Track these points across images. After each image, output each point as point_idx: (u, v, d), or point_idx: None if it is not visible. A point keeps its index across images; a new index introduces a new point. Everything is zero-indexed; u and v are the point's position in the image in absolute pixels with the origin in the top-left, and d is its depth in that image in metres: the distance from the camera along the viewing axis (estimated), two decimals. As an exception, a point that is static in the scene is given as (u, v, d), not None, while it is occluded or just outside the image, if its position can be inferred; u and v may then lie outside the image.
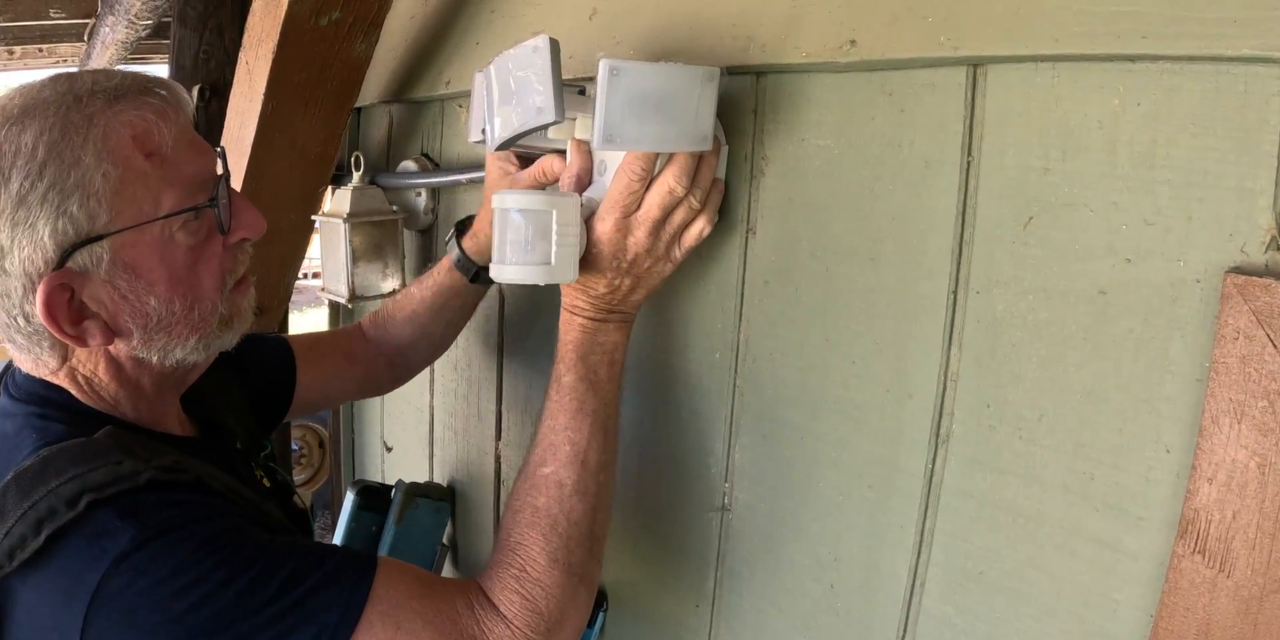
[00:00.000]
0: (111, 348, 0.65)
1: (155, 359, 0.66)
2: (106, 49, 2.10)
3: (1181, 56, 0.49)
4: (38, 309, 0.60)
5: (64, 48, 2.49)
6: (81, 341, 0.63)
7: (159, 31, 2.06)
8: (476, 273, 0.94)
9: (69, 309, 0.61)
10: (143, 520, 0.56)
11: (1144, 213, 0.52)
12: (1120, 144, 0.52)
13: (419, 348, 1.01)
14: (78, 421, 0.64)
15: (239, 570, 0.56)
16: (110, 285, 0.62)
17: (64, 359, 0.65)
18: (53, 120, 0.58)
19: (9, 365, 0.70)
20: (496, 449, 1.13)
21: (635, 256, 0.70)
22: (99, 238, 0.60)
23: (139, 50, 2.28)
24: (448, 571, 1.27)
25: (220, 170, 0.67)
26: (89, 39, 2.32)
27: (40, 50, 2.48)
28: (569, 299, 0.75)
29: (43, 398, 0.65)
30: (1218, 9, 0.47)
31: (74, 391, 0.66)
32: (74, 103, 0.59)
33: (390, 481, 1.21)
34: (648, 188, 0.68)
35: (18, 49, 2.43)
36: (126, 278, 0.62)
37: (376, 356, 1.00)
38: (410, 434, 1.35)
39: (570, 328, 0.74)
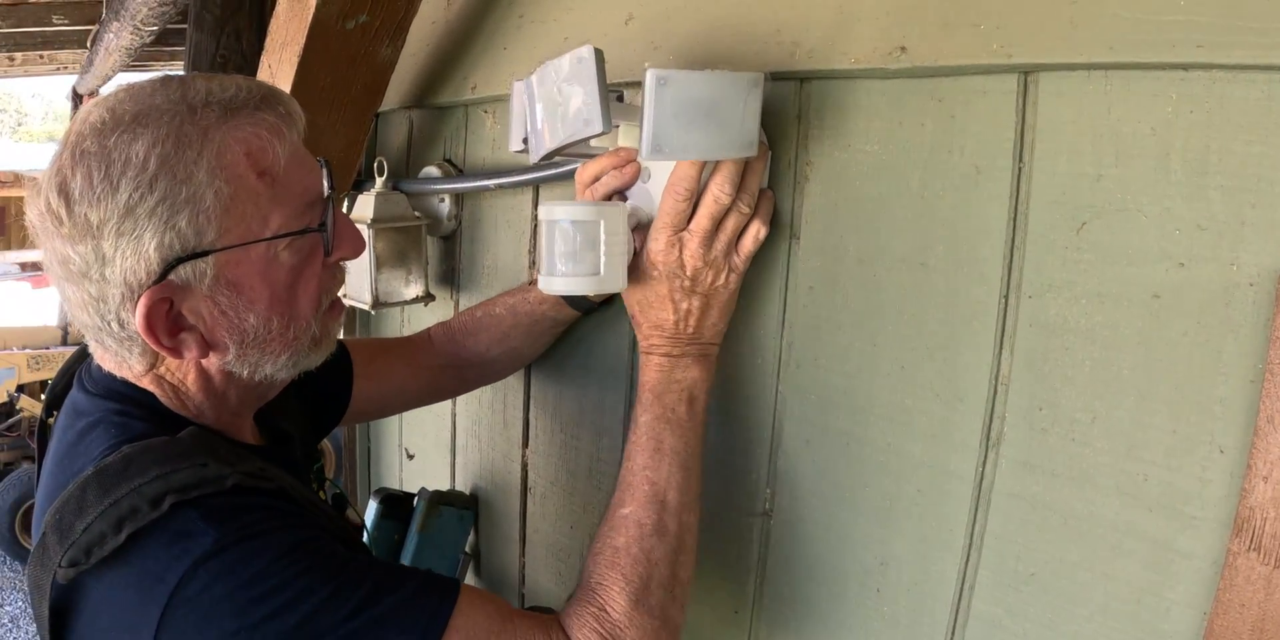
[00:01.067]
0: (204, 360, 0.64)
1: (245, 373, 0.66)
2: (110, 55, 2.09)
3: (1235, 65, 0.50)
4: (137, 320, 0.59)
5: (64, 54, 2.47)
6: (177, 353, 0.62)
7: (163, 38, 2.05)
8: (590, 307, 0.93)
9: (167, 320, 0.61)
10: (225, 524, 0.55)
11: (1197, 218, 0.53)
12: (1173, 150, 0.53)
13: (504, 362, 1.01)
14: (159, 421, 0.63)
15: (319, 582, 0.55)
16: (211, 301, 0.61)
17: (151, 365, 0.64)
18: (166, 130, 0.57)
19: (84, 352, 0.69)
20: (523, 456, 1.13)
21: (695, 271, 0.70)
22: (204, 253, 0.59)
23: (141, 57, 2.27)
24: (470, 581, 1.26)
25: (327, 188, 0.66)
26: (91, 45, 2.30)
27: (41, 57, 2.45)
28: (643, 340, 0.74)
29: (123, 395, 0.65)
30: (1272, 19, 0.48)
31: (158, 395, 0.65)
32: (188, 113, 0.58)
33: (409, 489, 1.20)
34: (696, 202, 0.68)
35: (19, 55, 2.41)
36: (228, 294, 0.61)
37: (445, 368, 0.99)
38: (430, 441, 1.34)
39: (647, 368, 0.74)
